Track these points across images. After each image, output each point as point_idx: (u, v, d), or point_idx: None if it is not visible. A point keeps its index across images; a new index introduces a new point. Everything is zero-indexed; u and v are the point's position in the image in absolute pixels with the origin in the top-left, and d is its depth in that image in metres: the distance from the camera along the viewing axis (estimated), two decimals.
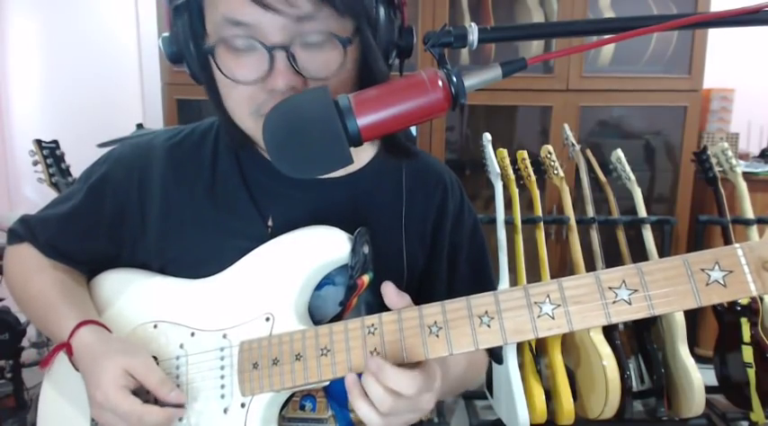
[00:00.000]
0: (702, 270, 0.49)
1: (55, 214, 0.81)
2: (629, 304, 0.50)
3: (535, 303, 0.53)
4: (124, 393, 0.64)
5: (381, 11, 0.64)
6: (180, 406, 0.66)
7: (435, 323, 0.57)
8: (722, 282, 0.48)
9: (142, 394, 0.66)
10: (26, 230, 0.82)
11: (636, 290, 0.50)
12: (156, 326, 0.74)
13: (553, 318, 0.53)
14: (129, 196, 0.77)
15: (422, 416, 0.60)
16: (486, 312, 0.55)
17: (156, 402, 0.66)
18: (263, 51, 0.60)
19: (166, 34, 0.67)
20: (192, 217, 0.75)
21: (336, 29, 0.61)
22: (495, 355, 0.87)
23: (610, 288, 0.51)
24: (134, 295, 0.77)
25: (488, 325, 0.55)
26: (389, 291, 0.59)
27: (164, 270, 0.77)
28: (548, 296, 0.53)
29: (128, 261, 0.80)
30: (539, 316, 0.53)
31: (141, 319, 0.75)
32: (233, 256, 0.72)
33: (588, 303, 0.52)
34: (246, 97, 0.64)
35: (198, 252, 0.74)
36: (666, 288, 0.49)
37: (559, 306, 0.52)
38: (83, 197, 0.79)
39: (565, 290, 0.53)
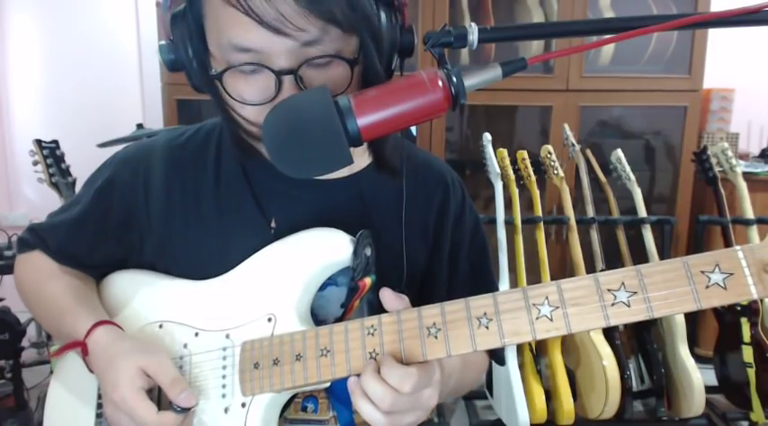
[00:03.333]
0: (702, 272, 0.48)
1: (64, 220, 0.81)
2: (628, 306, 0.50)
3: (534, 305, 0.53)
4: (141, 396, 0.63)
5: (383, 18, 0.64)
6: (186, 410, 0.64)
7: (434, 324, 0.57)
8: (722, 285, 0.48)
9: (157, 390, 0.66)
10: (36, 238, 0.82)
11: (635, 293, 0.50)
12: (161, 326, 0.74)
13: (551, 320, 0.52)
14: (135, 197, 0.77)
15: (427, 414, 0.60)
16: (485, 313, 0.55)
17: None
18: (270, 74, 0.60)
19: (163, 42, 0.67)
20: (195, 217, 0.75)
21: (342, 49, 0.61)
22: (497, 356, 0.87)
23: (608, 290, 0.51)
24: (141, 296, 0.77)
25: (487, 327, 0.55)
26: (387, 296, 0.59)
27: (169, 270, 0.77)
28: (546, 298, 0.53)
29: (136, 263, 0.80)
30: (537, 318, 0.53)
31: (147, 319, 0.75)
32: (236, 257, 0.72)
33: (587, 305, 0.51)
34: (255, 114, 0.64)
35: (201, 252, 0.75)
36: (665, 290, 0.49)
37: (558, 308, 0.52)
38: (90, 201, 0.79)
39: (563, 292, 0.52)
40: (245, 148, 0.72)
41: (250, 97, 0.63)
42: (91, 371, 0.70)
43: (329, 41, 0.60)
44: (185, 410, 0.64)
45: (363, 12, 0.61)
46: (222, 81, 0.63)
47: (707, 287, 0.48)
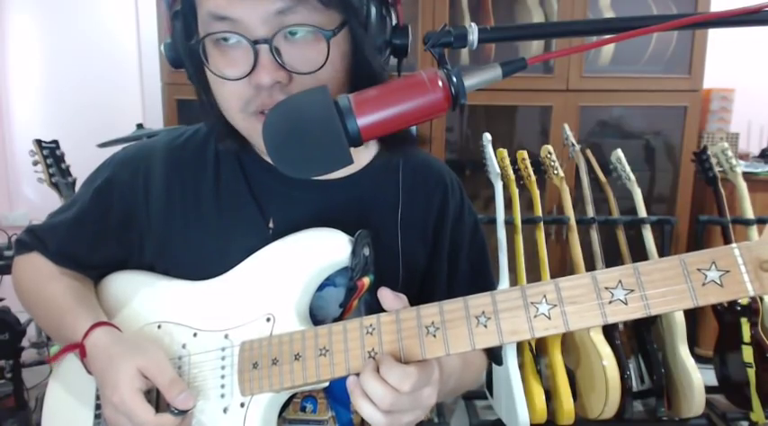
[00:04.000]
0: (699, 270, 0.49)
1: (62, 221, 0.80)
2: (626, 304, 0.50)
3: (532, 303, 0.53)
4: (139, 398, 0.63)
5: (372, 8, 0.64)
6: (184, 412, 0.64)
7: (433, 323, 0.57)
8: (719, 282, 0.48)
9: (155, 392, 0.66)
10: (34, 239, 0.82)
11: (632, 290, 0.50)
12: (159, 327, 0.74)
13: (549, 318, 0.53)
14: (135, 198, 0.77)
15: (426, 412, 0.60)
16: (483, 312, 0.55)
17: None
18: (248, 47, 0.61)
19: (169, 40, 0.68)
20: (195, 218, 0.75)
21: (320, 21, 0.61)
22: (495, 356, 0.87)
23: (606, 288, 0.51)
24: (139, 296, 0.77)
25: (485, 326, 0.55)
26: (386, 295, 0.60)
27: (168, 271, 0.77)
28: (544, 296, 0.53)
29: (136, 264, 0.80)
30: (535, 316, 0.53)
31: (146, 320, 0.75)
32: (235, 257, 0.72)
33: (584, 303, 0.52)
34: (235, 94, 0.65)
35: (201, 253, 0.75)
36: (663, 288, 0.49)
37: (556, 306, 0.52)
38: (89, 202, 0.79)
39: (561, 290, 0.53)
40: (233, 142, 0.73)
41: (229, 72, 0.63)
42: (89, 373, 0.70)
43: (306, 12, 0.60)
44: (183, 412, 0.64)
45: None
46: (204, 55, 0.64)
47: (703, 284, 0.48)
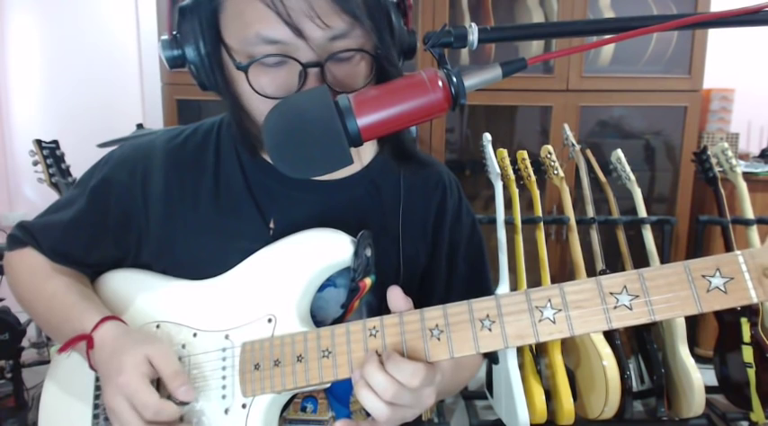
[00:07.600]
0: (703, 276, 0.49)
1: (58, 219, 0.80)
2: (630, 309, 0.51)
3: (536, 307, 0.53)
4: (145, 381, 0.63)
5: (394, 20, 0.65)
6: (185, 403, 0.65)
7: (437, 326, 0.57)
8: (723, 289, 0.48)
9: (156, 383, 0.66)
10: (27, 235, 0.81)
11: (637, 296, 0.50)
12: (158, 326, 0.74)
13: (554, 323, 0.53)
14: (133, 199, 0.76)
15: (422, 412, 0.60)
16: (488, 316, 0.55)
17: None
18: (293, 65, 0.61)
19: (165, 37, 0.66)
20: (194, 219, 0.75)
21: (365, 44, 0.63)
22: (491, 356, 0.87)
23: (611, 293, 0.51)
24: (138, 295, 0.77)
25: (490, 329, 0.55)
26: (395, 295, 0.60)
27: (166, 271, 0.77)
28: (549, 300, 0.53)
29: (132, 263, 0.79)
30: (540, 321, 0.53)
31: (144, 319, 0.75)
32: (235, 258, 0.72)
33: (589, 308, 0.52)
34: None
35: (200, 254, 0.74)
36: (667, 293, 0.50)
37: (561, 310, 0.53)
38: (85, 201, 0.78)
39: (566, 295, 0.53)
40: (254, 148, 0.72)
41: (272, 90, 0.63)
42: (91, 367, 0.70)
43: (355, 36, 0.62)
44: (183, 403, 0.64)
45: (386, 10, 0.64)
46: (247, 75, 0.63)
47: (708, 291, 0.49)
